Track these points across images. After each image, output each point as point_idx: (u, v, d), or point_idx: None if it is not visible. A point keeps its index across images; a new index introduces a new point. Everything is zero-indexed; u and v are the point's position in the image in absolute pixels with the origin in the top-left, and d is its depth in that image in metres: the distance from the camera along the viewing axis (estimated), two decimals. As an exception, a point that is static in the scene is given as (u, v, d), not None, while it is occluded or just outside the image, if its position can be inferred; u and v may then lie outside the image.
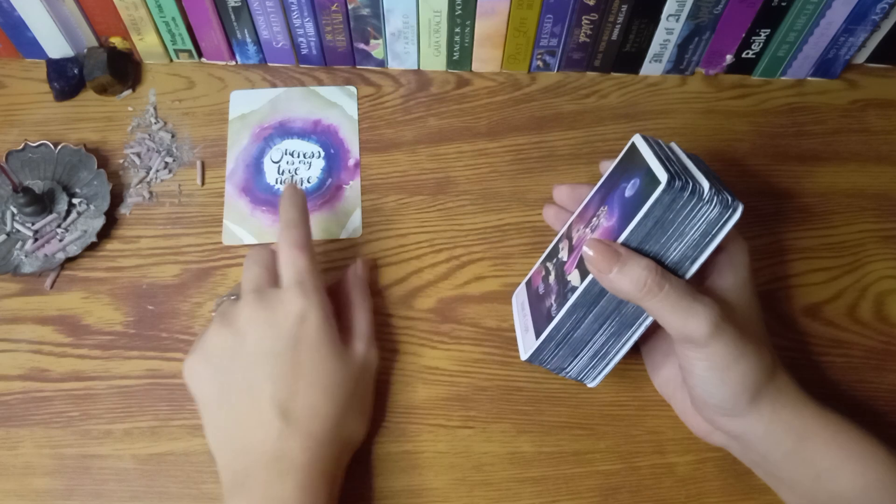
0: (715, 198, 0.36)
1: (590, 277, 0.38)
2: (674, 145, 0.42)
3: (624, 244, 0.37)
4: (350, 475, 0.44)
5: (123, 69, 0.56)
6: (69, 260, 0.50)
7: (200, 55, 0.58)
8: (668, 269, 0.37)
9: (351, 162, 0.54)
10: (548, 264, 0.44)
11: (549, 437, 0.45)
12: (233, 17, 0.54)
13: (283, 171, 0.54)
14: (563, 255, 0.42)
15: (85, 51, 0.56)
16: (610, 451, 0.45)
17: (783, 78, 0.59)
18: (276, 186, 0.53)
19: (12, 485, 0.43)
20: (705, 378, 0.38)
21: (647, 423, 0.46)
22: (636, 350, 0.46)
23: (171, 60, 0.58)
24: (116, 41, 0.56)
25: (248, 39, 0.56)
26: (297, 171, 0.54)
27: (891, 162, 0.55)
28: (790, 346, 0.48)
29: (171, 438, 0.45)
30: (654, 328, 0.41)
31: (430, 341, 0.48)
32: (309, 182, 0.53)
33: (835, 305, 0.50)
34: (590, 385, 0.42)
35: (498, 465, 0.44)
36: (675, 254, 0.37)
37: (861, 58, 0.59)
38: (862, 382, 0.47)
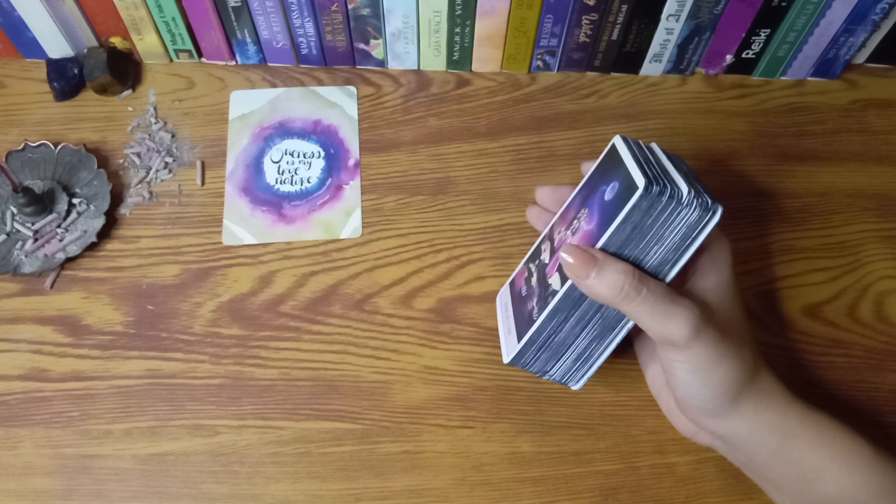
0: (694, 201, 0.36)
1: (570, 281, 0.38)
2: (654, 146, 0.41)
3: (602, 249, 0.37)
4: (350, 475, 0.44)
5: (123, 69, 0.56)
6: (69, 260, 0.50)
7: (200, 55, 0.58)
8: (649, 273, 0.37)
9: (351, 162, 0.54)
10: (531, 265, 0.44)
11: (549, 437, 0.45)
12: (233, 17, 0.54)
13: (283, 171, 0.54)
14: (545, 256, 0.42)
15: (85, 51, 0.56)
16: (610, 451, 0.45)
17: (783, 78, 0.59)
18: (276, 186, 0.53)
19: (12, 485, 0.43)
20: (687, 380, 0.38)
21: (647, 423, 0.46)
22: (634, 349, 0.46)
23: (171, 60, 0.58)
24: (116, 41, 0.56)
25: (248, 39, 0.56)
26: (297, 171, 0.54)
27: (891, 162, 0.55)
28: (790, 346, 0.48)
29: (170, 438, 0.45)
30: (640, 328, 0.41)
31: (430, 341, 0.48)
32: (309, 182, 0.53)
33: (835, 305, 0.50)
34: (574, 388, 0.42)
35: (498, 465, 0.44)
36: (654, 258, 0.37)
37: (861, 58, 0.59)
38: (862, 382, 0.47)
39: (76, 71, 0.56)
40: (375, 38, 0.56)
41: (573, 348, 0.40)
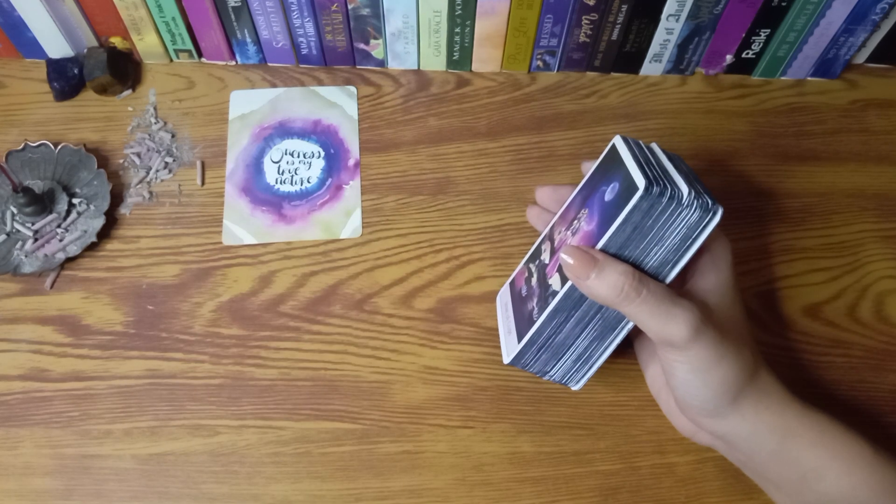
0: (695, 202, 0.36)
1: (570, 282, 0.38)
2: (654, 146, 0.41)
3: (603, 250, 0.37)
4: (350, 475, 0.44)
5: (123, 69, 0.56)
6: (69, 260, 0.50)
7: (200, 55, 0.58)
8: (649, 274, 0.37)
9: (351, 162, 0.54)
10: (531, 265, 0.44)
11: (549, 437, 0.45)
12: (233, 17, 0.54)
13: (283, 171, 0.54)
14: (546, 256, 0.42)
15: (85, 51, 0.56)
16: (610, 451, 0.45)
17: (783, 78, 0.59)
18: (276, 186, 0.53)
19: (12, 485, 0.43)
20: (686, 380, 0.38)
21: (647, 423, 0.46)
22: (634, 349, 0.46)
23: (171, 60, 0.58)
24: (116, 41, 0.56)
25: (248, 39, 0.56)
26: (297, 171, 0.54)
27: (891, 162, 0.55)
28: (790, 346, 0.48)
29: (171, 438, 0.45)
30: (640, 329, 0.41)
31: (430, 341, 0.48)
32: (309, 182, 0.53)
33: (835, 305, 0.50)
34: (574, 388, 0.42)
35: (498, 465, 0.44)
36: (655, 259, 0.37)
37: (861, 58, 0.59)
38: (862, 382, 0.47)
39: (76, 71, 0.56)
40: (375, 38, 0.56)
41: (573, 349, 0.40)
